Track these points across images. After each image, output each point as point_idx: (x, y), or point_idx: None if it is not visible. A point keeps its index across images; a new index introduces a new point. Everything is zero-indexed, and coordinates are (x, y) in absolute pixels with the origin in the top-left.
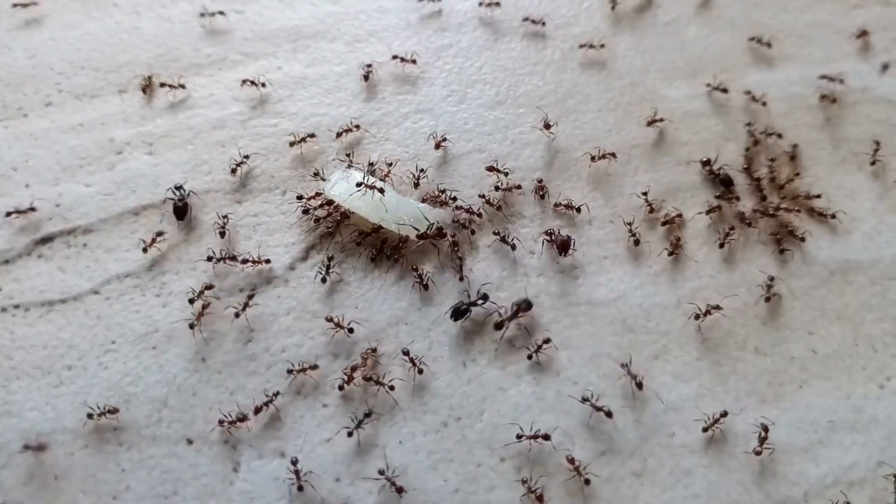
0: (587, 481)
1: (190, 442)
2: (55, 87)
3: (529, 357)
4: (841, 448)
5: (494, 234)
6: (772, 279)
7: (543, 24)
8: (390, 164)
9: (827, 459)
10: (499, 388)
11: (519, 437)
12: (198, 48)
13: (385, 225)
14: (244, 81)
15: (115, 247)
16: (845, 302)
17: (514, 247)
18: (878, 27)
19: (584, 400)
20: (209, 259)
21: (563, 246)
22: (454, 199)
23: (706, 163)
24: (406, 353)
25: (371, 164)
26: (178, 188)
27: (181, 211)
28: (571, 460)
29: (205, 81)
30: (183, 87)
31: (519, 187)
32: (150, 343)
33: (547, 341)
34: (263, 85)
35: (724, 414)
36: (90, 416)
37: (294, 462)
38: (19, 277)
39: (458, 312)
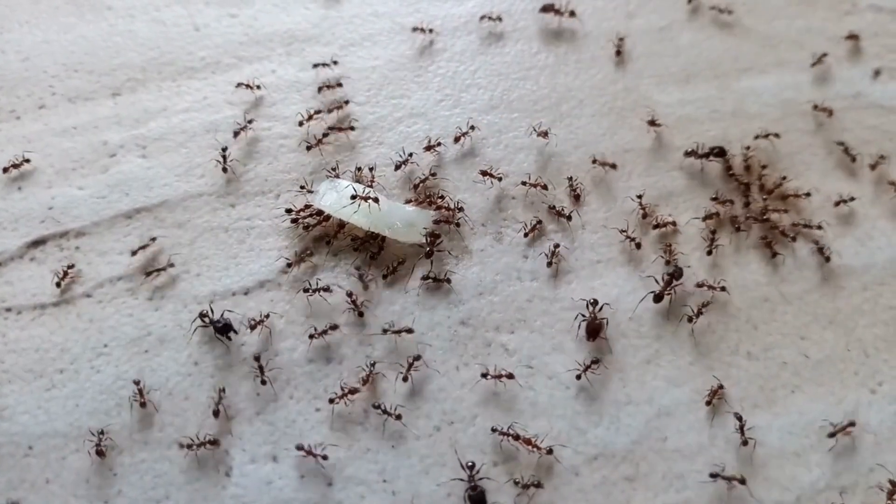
0: (550, 451)
1: (182, 446)
2: (48, 90)
3: (578, 377)
4: (833, 453)
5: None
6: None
7: (500, 19)
8: (372, 169)
9: (819, 464)
10: (492, 393)
11: (493, 430)
12: (192, 52)
13: (377, 231)
14: (238, 84)
15: (108, 250)
16: (837, 307)
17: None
18: (869, 33)
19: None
20: None
21: (595, 331)
22: (441, 197)
23: (691, 153)
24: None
25: (358, 170)
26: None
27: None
28: (528, 441)
29: (199, 85)
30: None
31: (545, 186)
32: (143, 347)
33: (595, 362)
34: (258, 88)
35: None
36: (189, 446)
37: (257, 358)
38: (11, 280)
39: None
